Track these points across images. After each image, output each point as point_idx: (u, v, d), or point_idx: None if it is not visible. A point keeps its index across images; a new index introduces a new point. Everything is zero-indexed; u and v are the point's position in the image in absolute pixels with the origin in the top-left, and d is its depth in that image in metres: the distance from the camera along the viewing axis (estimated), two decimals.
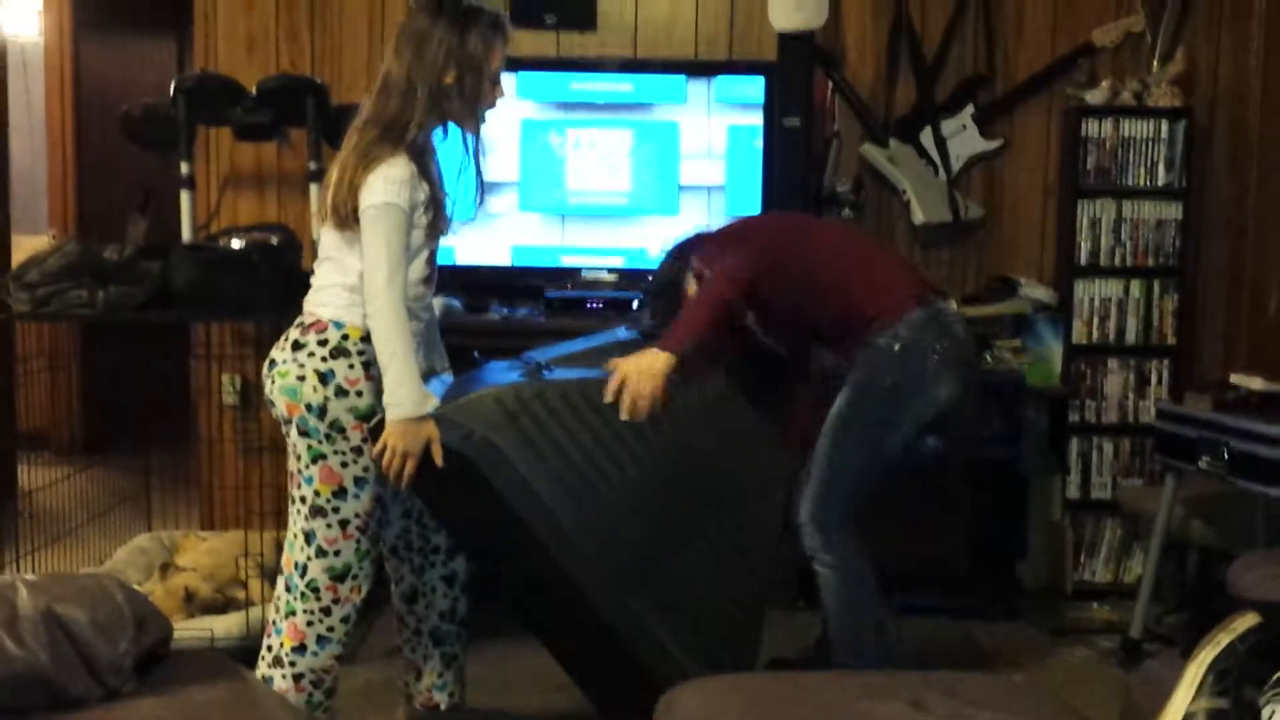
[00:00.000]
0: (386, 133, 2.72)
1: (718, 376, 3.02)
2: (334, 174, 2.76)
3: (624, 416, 2.74)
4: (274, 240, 3.93)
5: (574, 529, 2.61)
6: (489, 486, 2.59)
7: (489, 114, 2.89)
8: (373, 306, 2.66)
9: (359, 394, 2.74)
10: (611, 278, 4.38)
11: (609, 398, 2.75)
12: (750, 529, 2.90)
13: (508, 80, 4.25)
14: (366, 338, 2.73)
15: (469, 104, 2.80)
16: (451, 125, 2.87)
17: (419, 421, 2.63)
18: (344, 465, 2.77)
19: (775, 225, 3.28)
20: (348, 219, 2.71)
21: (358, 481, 2.78)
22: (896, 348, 2.97)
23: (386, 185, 2.66)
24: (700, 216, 4.37)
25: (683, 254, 3.21)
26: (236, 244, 3.88)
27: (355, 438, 2.76)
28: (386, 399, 2.64)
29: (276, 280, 3.72)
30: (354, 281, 2.75)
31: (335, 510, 2.78)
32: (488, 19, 2.81)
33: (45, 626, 1.95)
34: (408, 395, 2.63)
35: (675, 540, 2.75)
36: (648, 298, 3.38)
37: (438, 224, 2.82)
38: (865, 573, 2.98)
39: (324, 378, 2.73)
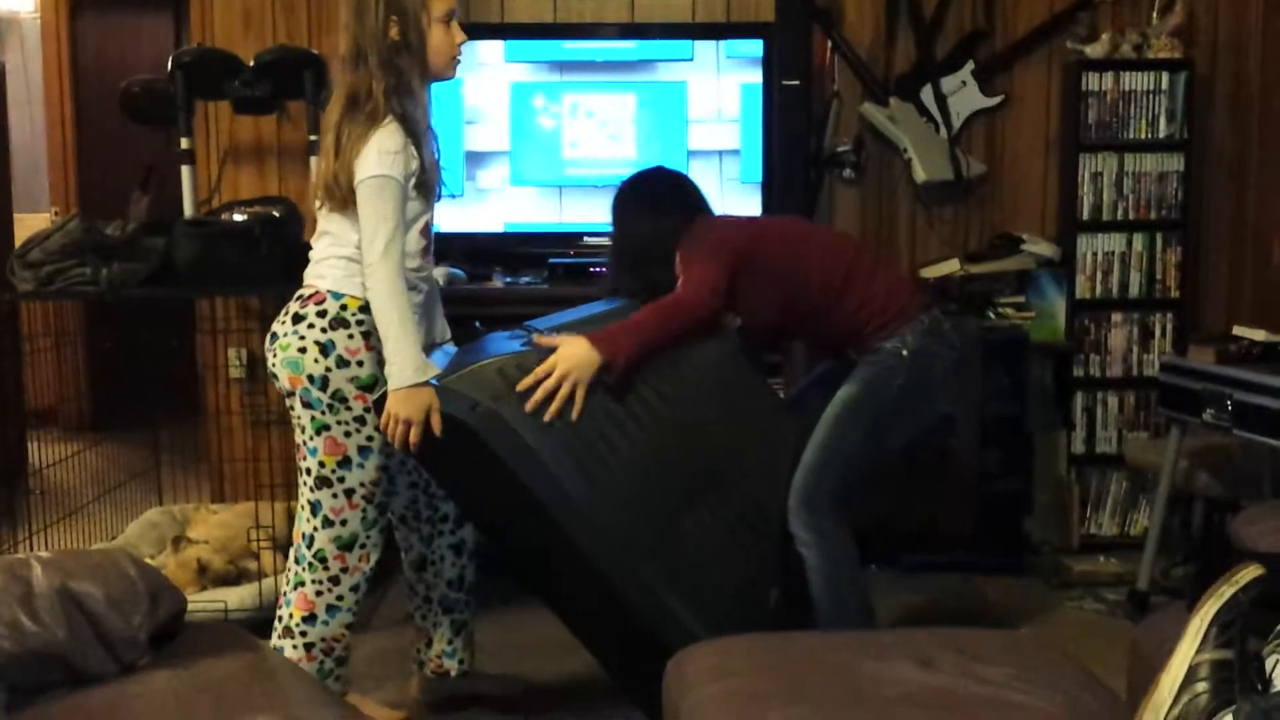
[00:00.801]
0: (364, 112, 2.70)
1: (726, 342, 3.01)
2: (323, 159, 2.76)
3: (528, 408, 2.63)
4: (276, 213, 3.93)
5: (581, 497, 2.62)
6: (494, 457, 2.60)
7: (456, 61, 2.86)
8: (371, 279, 2.67)
9: (360, 364, 2.76)
10: None
11: (527, 383, 2.64)
12: (757, 497, 2.91)
13: (495, 46, 4.30)
14: (365, 308, 2.74)
15: (418, 56, 2.77)
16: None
17: (419, 389, 2.64)
18: (347, 435, 2.79)
19: (772, 234, 3.16)
20: (346, 199, 2.71)
21: (362, 451, 2.80)
22: (905, 353, 2.97)
23: (380, 157, 2.67)
24: (712, 184, 4.36)
25: (675, 220, 3.10)
26: (238, 218, 3.88)
27: (358, 407, 2.77)
28: (386, 368, 2.66)
29: (279, 253, 3.73)
30: (351, 253, 2.75)
31: (341, 480, 2.80)
32: None
33: (60, 603, 1.97)
34: (407, 363, 2.64)
35: (683, 505, 2.76)
36: (624, 260, 3.19)
37: (431, 191, 2.82)
38: (851, 557, 2.98)
39: (324, 349, 2.74)
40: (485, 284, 4.24)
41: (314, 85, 4.13)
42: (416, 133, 2.75)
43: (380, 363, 2.70)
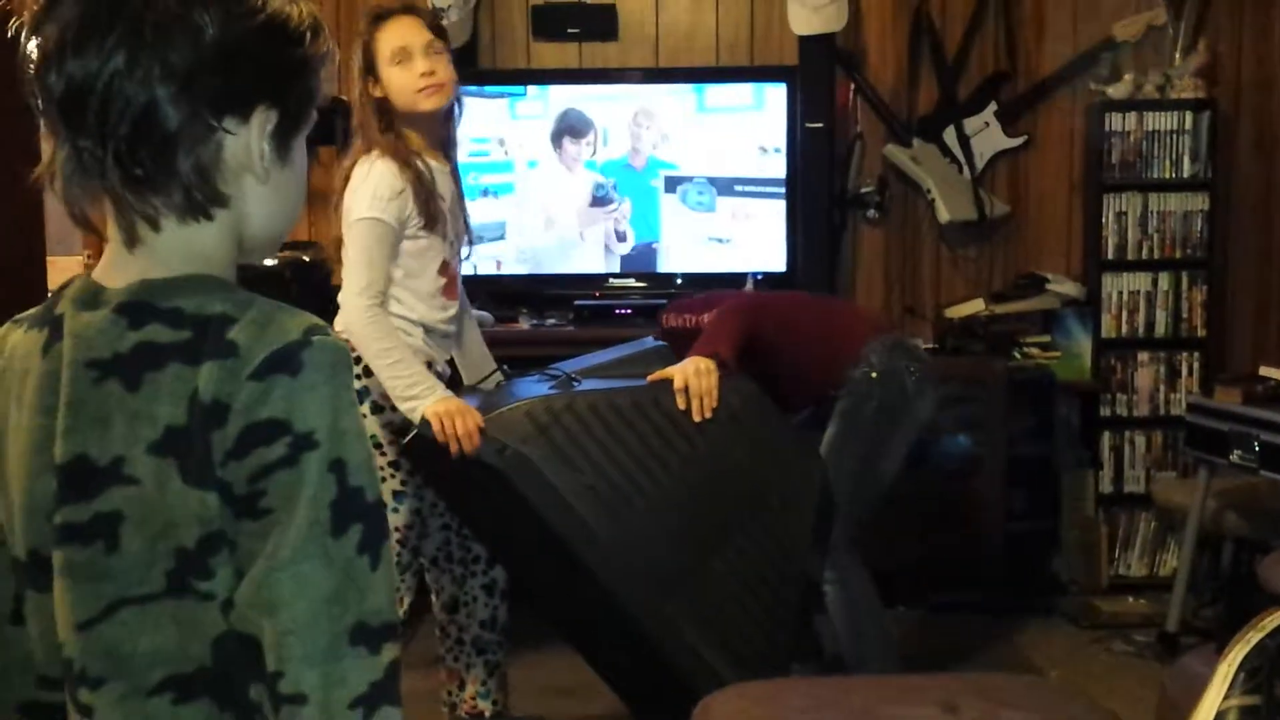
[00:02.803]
0: (351, 152, 2.81)
1: (751, 386, 3.03)
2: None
3: (696, 418, 2.76)
4: (306, 257, 3.98)
5: (608, 539, 2.64)
6: (522, 499, 2.62)
7: (426, 92, 2.84)
8: (345, 316, 2.69)
9: (393, 409, 2.78)
10: (640, 284, 4.41)
11: (682, 405, 2.77)
12: (782, 536, 2.91)
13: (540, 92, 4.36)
14: None
15: (386, 100, 2.82)
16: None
17: (441, 402, 2.65)
18: (382, 480, 2.80)
19: (733, 297, 3.32)
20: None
21: (396, 495, 2.82)
22: (873, 375, 3.03)
23: (373, 200, 2.72)
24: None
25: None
26: (269, 262, 3.92)
27: (391, 452, 2.80)
28: (401, 403, 2.67)
29: (309, 297, 3.77)
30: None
31: None
32: (367, 19, 2.88)
33: None
34: (405, 393, 2.66)
35: (708, 547, 2.78)
36: None
37: (438, 225, 2.83)
38: (869, 590, 3.01)
39: (360, 395, 2.77)
40: (511, 326, 4.27)
41: (344, 131, 4.17)
42: (421, 175, 2.78)
43: None
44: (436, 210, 2.82)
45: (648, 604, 2.67)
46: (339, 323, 2.72)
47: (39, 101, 1.02)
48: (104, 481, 0.99)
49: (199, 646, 0.99)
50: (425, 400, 2.65)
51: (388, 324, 2.70)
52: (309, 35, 1.07)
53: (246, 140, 1.04)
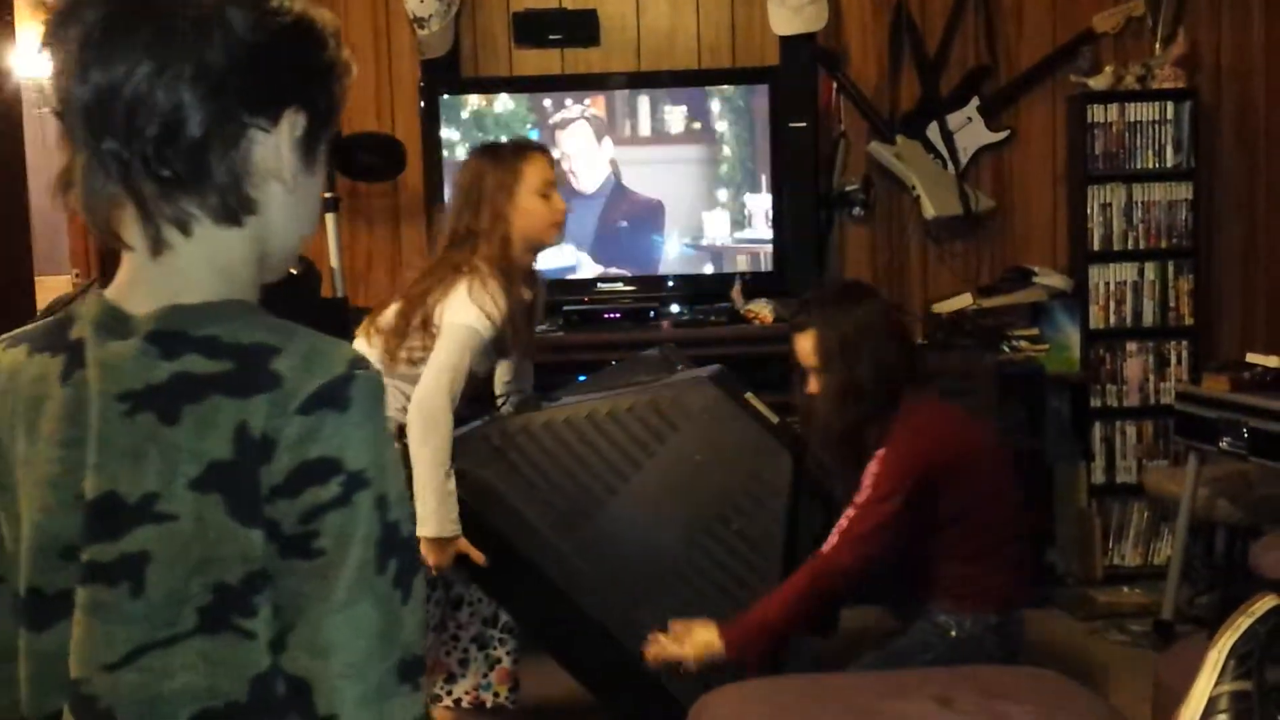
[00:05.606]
0: (463, 274, 2.80)
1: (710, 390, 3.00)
2: (399, 319, 2.84)
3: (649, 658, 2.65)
4: (294, 270, 3.97)
5: (572, 553, 2.69)
6: (485, 523, 2.66)
7: (557, 227, 2.93)
8: (420, 406, 2.70)
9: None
10: (629, 289, 4.41)
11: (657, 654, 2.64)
12: (751, 534, 2.90)
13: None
14: None
15: (518, 228, 2.85)
16: None
17: (447, 541, 2.67)
18: None
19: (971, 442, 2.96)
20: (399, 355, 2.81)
21: None
22: (953, 634, 2.74)
23: (479, 314, 2.74)
24: None
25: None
26: None
27: None
28: (417, 508, 2.67)
29: (299, 310, 3.76)
30: None
31: None
32: (512, 146, 2.97)
33: None
34: (433, 513, 2.67)
35: (674, 551, 2.79)
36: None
37: (504, 353, 2.91)
38: None
39: None
40: None
41: (358, 163, 4.16)
42: (511, 295, 2.83)
43: None
44: (516, 342, 2.89)
45: (618, 613, 2.69)
46: (400, 401, 2.77)
47: (59, 108, 0.99)
48: (132, 520, 0.95)
49: (231, 683, 0.96)
50: (423, 528, 2.65)
51: (447, 438, 2.70)
52: (333, 40, 1.06)
53: (276, 144, 1.01)
